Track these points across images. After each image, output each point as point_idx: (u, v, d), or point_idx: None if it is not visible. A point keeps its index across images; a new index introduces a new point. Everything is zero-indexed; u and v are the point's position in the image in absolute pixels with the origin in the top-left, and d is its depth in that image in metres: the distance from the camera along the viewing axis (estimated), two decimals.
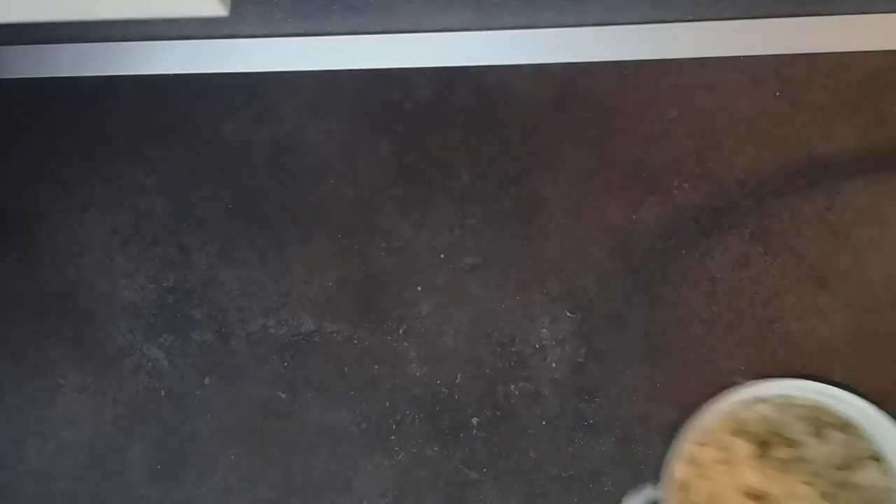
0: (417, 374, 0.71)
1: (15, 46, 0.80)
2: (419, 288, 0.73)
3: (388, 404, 0.71)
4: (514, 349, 0.71)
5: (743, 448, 0.60)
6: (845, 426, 0.61)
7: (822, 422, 0.61)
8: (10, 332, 0.75)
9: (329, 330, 0.73)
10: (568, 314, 0.71)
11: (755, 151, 0.73)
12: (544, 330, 0.71)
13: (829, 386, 0.59)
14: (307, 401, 0.72)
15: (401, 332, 0.72)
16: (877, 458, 0.60)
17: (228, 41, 0.79)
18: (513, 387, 0.71)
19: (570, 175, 0.74)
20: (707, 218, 0.72)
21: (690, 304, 0.71)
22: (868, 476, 0.59)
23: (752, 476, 0.59)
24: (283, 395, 0.72)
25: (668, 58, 0.75)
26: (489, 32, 0.77)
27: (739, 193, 0.72)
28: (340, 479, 0.70)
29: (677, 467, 0.59)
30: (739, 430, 0.61)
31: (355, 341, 0.72)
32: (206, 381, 0.73)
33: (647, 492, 0.59)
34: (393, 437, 0.71)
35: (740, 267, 0.71)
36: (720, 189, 0.72)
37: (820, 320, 0.70)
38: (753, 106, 0.73)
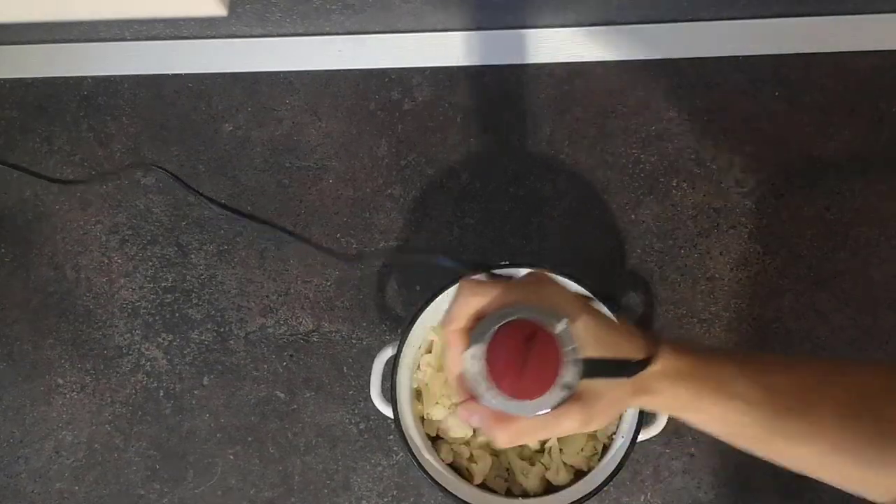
0: None
1: (15, 46, 0.80)
2: (418, 288, 0.72)
3: None
4: None
5: None
6: None
7: None
8: (9, 331, 0.75)
9: (327, 329, 0.72)
10: None
11: (755, 151, 0.73)
12: None
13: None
14: (306, 400, 0.72)
15: (399, 331, 0.72)
16: None
17: (228, 41, 0.79)
18: None
19: (570, 175, 0.74)
20: (706, 218, 0.72)
21: (690, 303, 0.71)
22: None
23: None
24: (282, 395, 0.72)
25: (668, 58, 0.75)
26: (489, 32, 0.77)
27: (739, 193, 0.72)
28: (339, 478, 0.70)
29: (427, 331, 0.65)
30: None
31: (354, 341, 0.72)
32: (205, 380, 0.72)
33: (389, 350, 0.63)
34: (392, 437, 0.70)
35: (740, 267, 0.71)
36: (720, 189, 0.72)
37: (819, 320, 0.70)
38: (753, 106, 0.73)
